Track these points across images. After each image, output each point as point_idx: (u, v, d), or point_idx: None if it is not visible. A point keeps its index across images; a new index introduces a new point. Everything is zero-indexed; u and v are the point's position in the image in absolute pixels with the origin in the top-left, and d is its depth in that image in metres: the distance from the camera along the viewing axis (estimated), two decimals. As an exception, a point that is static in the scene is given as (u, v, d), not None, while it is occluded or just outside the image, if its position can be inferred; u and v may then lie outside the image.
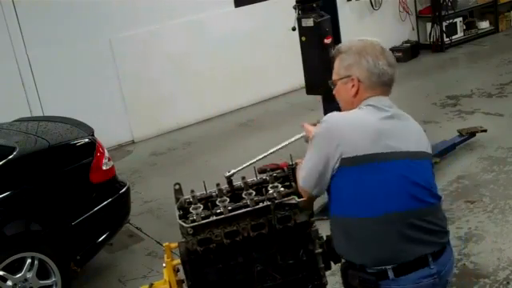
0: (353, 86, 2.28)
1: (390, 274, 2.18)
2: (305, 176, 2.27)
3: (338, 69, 2.34)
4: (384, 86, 2.30)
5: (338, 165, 2.16)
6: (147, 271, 4.57)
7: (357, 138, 2.15)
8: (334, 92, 2.41)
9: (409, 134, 2.26)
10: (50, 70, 6.95)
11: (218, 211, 2.47)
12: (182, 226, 2.43)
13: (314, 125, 2.43)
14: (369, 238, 2.18)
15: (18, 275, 3.84)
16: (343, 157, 2.14)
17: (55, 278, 4.00)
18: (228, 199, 2.54)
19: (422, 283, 2.19)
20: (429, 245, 2.21)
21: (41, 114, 6.73)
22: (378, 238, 2.17)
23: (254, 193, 2.58)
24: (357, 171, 2.15)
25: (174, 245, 2.63)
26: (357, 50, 2.29)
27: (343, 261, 2.37)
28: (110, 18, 7.30)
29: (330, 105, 4.88)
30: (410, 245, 2.17)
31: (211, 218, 2.43)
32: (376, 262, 2.19)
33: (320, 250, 2.49)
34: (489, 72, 8.33)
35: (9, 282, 3.81)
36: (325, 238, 2.58)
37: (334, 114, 2.27)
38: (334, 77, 2.37)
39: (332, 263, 2.61)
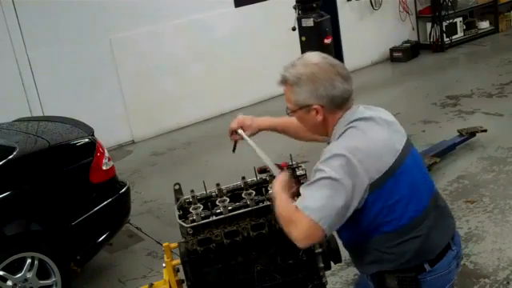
0: (317, 113, 2.17)
1: (427, 267, 2.21)
2: (323, 217, 2.01)
3: (294, 99, 2.19)
4: (348, 100, 2.20)
5: (367, 193, 2.07)
6: (147, 271, 4.57)
7: (375, 159, 2.08)
8: (293, 117, 2.29)
9: (396, 129, 2.25)
10: (50, 70, 6.95)
11: (218, 211, 2.47)
12: (181, 226, 2.43)
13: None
14: (403, 247, 2.17)
15: (18, 275, 3.84)
16: (371, 182, 2.07)
17: (55, 278, 4.00)
18: (228, 199, 2.55)
19: (451, 266, 2.26)
20: (448, 228, 2.29)
21: (41, 114, 6.73)
22: (412, 243, 2.17)
23: (254, 193, 2.58)
24: (386, 188, 2.09)
25: (173, 245, 2.64)
26: (308, 79, 2.13)
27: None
28: (109, 18, 7.30)
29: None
30: (437, 236, 2.21)
31: (211, 218, 2.43)
32: (413, 263, 2.20)
33: (320, 250, 2.49)
34: (489, 72, 8.33)
35: (9, 282, 3.81)
36: (325, 238, 2.58)
37: (344, 146, 2.09)
38: (291, 106, 2.22)
39: (332, 263, 2.61)
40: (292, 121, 2.43)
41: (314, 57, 2.21)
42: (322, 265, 2.50)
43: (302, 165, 2.63)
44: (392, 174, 2.09)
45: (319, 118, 2.18)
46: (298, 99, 2.18)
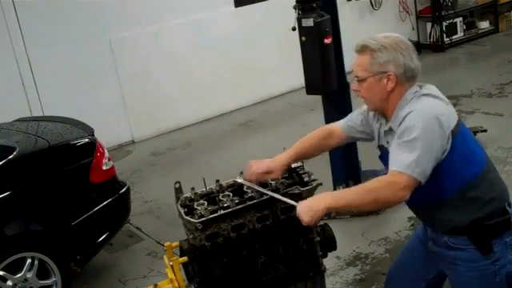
0: (388, 81, 2.30)
1: (509, 209, 2.40)
2: (421, 172, 2.20)
3: (369, 65, 2.31)
4: (416, 77, 2.36)
5: (450, 139, 2.24)
6: (147, 271, 4.57)
7: (448, 115, 2.28)
8: (356, 88, 2.39)
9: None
10: (50, 70, 6.94)
11: (225, 205, 2.48)
12: (189, 222, 2.41)
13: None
14: (488, 185, 2.37)
15: (18, 275, 3.84)
16: (452, 130, 2.25)
17: (55, 278, 4.00)
18: (231, 193, 2.56)
19: None
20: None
21: (41, 114, 6.72)
22: (493, 180, 2.40)
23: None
24: (458, 139, 2.27)
25: (175, 244, 2.63)
26: (391, 47, 2.29)
27: None
28: (109, 18, 7.29)
29: (330, 104, 4.89)
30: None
31: (219, 212, 2.43)
32: (499, 204, 2.38)
33: (318, 239, 2.53)
34: (489, 72, 8.33)
35: (9, 282, 3.81)
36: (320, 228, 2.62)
37: (422, 107, 2.26)
38: (362, 73, 2.33)
39: (330, 261, 2.63)
40: (307, 140, 2.60)
41: (392, 34, 2.38)
42: (320, 253, 2.55)
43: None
44: (459, 128, 2.28)
45: (390, 85, 2.31)
46: (374, 65, 2.30)
